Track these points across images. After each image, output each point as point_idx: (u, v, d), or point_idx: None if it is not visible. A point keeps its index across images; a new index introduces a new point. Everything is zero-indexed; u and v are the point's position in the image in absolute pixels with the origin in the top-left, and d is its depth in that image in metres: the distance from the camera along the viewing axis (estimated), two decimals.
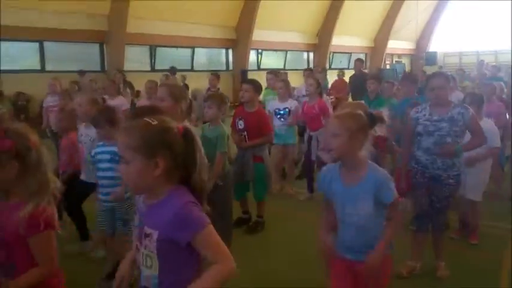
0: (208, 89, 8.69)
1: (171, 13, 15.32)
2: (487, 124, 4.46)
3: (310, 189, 6.12)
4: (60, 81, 7.83)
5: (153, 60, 16.57)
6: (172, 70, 13.21)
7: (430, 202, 3.87)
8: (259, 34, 18.71)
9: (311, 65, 22.85)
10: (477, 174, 4.52)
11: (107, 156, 3.48)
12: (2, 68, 12.65)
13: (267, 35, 19.16)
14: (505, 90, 7.74)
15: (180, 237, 1.57)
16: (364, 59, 26.20)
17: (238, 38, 18.62)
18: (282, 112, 6.06)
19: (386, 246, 2.41)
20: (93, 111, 3.81)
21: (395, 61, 28.12)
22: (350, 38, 23.56)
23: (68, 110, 4.61)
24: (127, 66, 14.87)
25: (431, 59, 26.62)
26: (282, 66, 20.53)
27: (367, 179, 2.33)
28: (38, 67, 13.57)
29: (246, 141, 4.90)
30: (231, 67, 19.11)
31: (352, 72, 10.87)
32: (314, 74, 9.31)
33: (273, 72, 7.91)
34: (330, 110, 6.16)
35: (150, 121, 1.60)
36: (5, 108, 12.27)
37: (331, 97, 9.45)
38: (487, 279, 3.97)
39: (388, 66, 26.23)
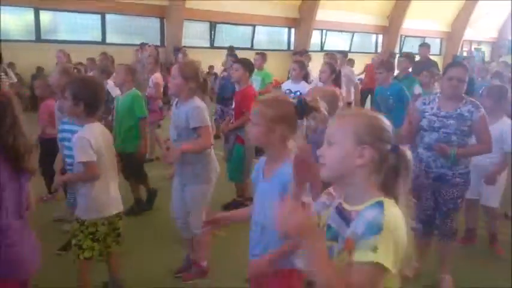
0: None
1: None
2: (505, 125, 4.06)
3: None
4: (67, 52, 7.97)
5: (212, 37, 16.42)
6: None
7: (435, 205, 3.55)
8: (324, 14, 17.96)
9: (379, 49, 21.86)
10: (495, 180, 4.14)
11: (69, 135, 3.25)
12: (65, 39, 13.08)
13: (333, 15, 18.37)
14: None
15: None
16: (439, 44, 24.73)
17: (301, 17, 18.00)
18: (293, 94, 5.74)
19: (280, 258, 2.03)
20: (63, 81, 3.68)
21: (474, 48, 26.08)
22: (424, 21, 22.05)
23: (44, 78, 4.93)
24: (186, 42, 14.86)
25: None
26: (347, 48, 19.67)
27: (278, 174, 2.06)
28: (99, 39, 13.85)
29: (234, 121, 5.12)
30: (292, 47, 18.56)
31: None
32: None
33: (260, 53, 7.80)
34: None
35: None
36: None
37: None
38: None
39: (465, 54, 24.36)
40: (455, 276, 3.70)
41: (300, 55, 10.32)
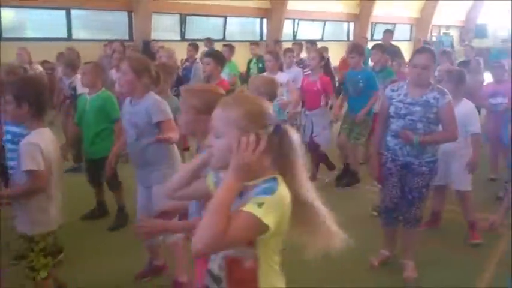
0: None
1: None
2: (467, 106, 4.09)
3: None
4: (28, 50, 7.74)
5: (183, 30, 16.11)
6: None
7: (401, 193, 3.54)
8: (295, 3, 17.82)
9: (351, 37, 21.90)
10: (462, 162, 4.13)
11: (9, 137, 3.11)
12: (29, 36, 12.60)
13: (304, 4, 18.24)
14: None
15: None
16: (409, 30, 24.95)
17: (273, 7, 17.81)
18: None
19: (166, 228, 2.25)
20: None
21: (443, 33, 26.40)
22: (394, 8, 22.18)
23: None
24: (155, 35, 14.51)
25: (481, 31, 24.84)
26: (319, 37, 19.64)
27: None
28: (65, 35, 13.40)
29: None
30: (264, 37, 18.39)
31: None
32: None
33: (228, 45, 7.90)
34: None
35: None
36: None
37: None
38: (462, 276, 3.68)
39: (434, 39, 24.66)
40: (419, 261, 3.70)
41: (256, 45, 10.27)
